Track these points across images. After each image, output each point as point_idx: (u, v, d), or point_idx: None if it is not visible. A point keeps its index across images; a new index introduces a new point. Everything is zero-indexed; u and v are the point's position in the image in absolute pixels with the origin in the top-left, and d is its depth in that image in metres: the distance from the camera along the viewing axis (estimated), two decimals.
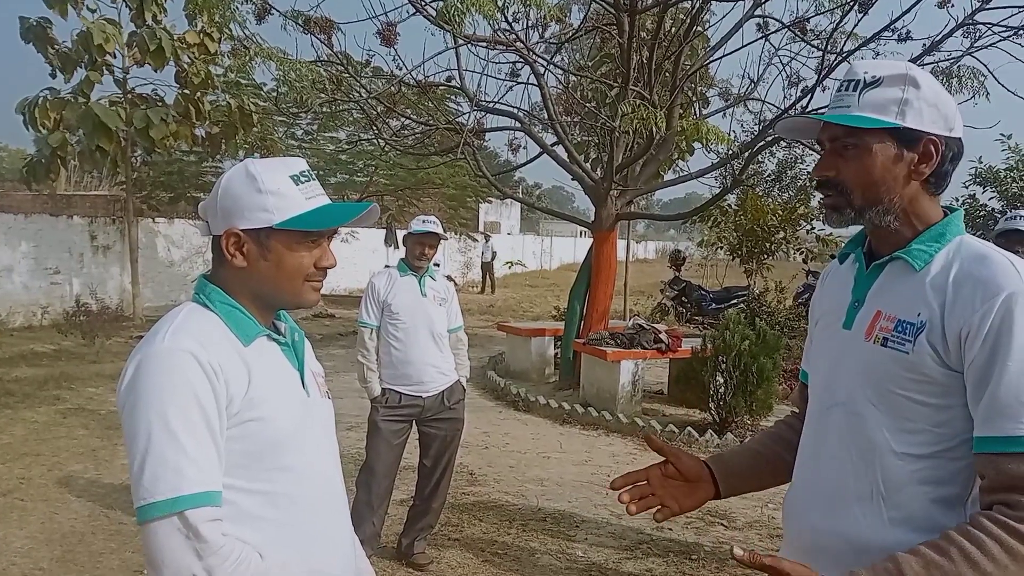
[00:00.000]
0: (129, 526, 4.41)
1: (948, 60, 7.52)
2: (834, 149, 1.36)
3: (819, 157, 1.40)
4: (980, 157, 11.30)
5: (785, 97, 8.24)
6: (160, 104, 12.16)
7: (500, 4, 6.87)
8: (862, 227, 1.43)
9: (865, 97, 1.32)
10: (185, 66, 11.96)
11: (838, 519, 1.35)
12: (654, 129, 6.66)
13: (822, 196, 1.40)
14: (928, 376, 1.26)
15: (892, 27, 7.28)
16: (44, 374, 8.60)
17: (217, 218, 1.35)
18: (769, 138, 7.96)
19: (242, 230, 1.33)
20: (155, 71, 11.88)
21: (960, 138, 1.35)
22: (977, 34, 7.08)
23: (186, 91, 12.16)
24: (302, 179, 1.36)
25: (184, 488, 1.17)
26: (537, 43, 8.75)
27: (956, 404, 1.25)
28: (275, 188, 1.33)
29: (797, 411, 1.67)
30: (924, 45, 7.28)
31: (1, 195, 16.75)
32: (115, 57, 11.74)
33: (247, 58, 7.33)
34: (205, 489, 1.20)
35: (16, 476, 5.21)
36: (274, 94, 11.01)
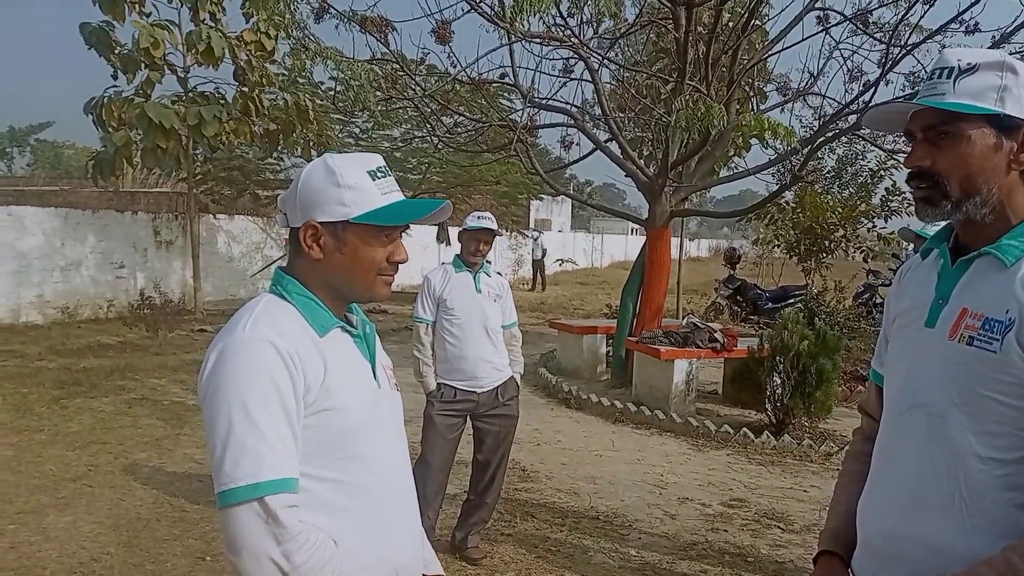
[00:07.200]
0: (192, 514, 4.53)
1: (1020, 52, 7.24)
2: (927, 138, 1.31)
3: (911, 148, 1.34)
4: None
5: (846, 92, 8.06)
6: (221, 102, 12.43)
7: (555, 0, 6.85)
8: (946, 223, 1.38)
9: (961, 84, 1.26)
10: (242, 64, 12.21)
11: (917, 525, 1.30)
12: (712, 124, 6.56)
13: (914, 188, 1.34)
14: (1016, 377, 1.20)
15: (959, 18, 7.06)
16: (110, 365, 8.88)
17: (296, 211, 1.39)
18: (830, 133, 7.78)
19: (320, 223, 1.36)
20: (209, 69, 12.19)
21: None
22: None
23: (244, 88, 12.42)
24: (379, 175, 1.39)
25: (263, 475, 1.20)
26: (591, 39, 8.71)
27: None
28: (353, 182, 1.35)
29: (863, 428, 1.61)
30: (994, 37, 7.03)
31: (69, 191, 17.33)
32: (165, 59, 11.97)
33: (306, 58, 7.46)
34: (284, 476, 1.22)
35: (84, 463, 5.39)
36: (331, 92, 11.16)
